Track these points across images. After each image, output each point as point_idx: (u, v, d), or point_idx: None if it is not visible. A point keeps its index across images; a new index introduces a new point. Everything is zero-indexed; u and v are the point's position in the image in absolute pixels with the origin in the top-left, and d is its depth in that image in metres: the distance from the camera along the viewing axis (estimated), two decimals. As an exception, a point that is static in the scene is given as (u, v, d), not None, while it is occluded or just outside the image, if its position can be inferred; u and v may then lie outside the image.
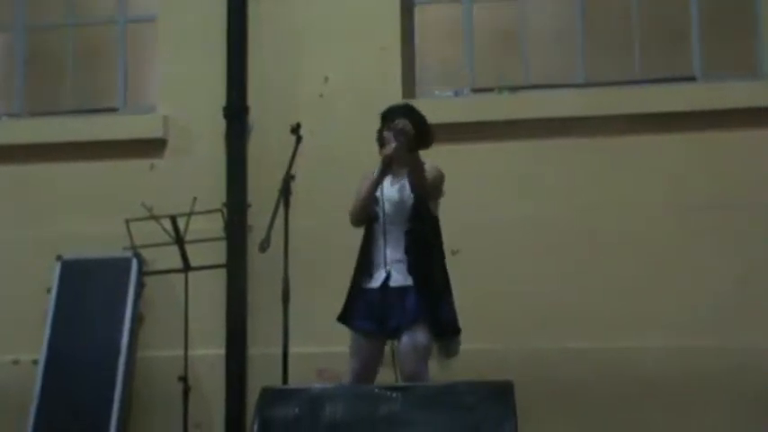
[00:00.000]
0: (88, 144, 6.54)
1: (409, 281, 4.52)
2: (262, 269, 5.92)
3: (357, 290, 4.63)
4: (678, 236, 5.88)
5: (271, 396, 3.84)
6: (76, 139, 6.56)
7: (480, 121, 6.08)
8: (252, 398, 4.84)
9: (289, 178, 4.72)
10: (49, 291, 6.25)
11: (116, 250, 6.11)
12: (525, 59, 6.40)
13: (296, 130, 4.85)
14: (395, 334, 4.55)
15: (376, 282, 4.57)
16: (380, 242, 4.59)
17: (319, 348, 5.86)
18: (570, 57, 6.36)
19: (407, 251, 4.55)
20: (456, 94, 6.38)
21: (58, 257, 6.31)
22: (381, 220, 4.60)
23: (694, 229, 5.87)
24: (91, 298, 6.19)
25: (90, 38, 6.96)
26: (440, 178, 4.64)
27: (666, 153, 5.98)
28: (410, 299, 4.49)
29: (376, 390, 3.83)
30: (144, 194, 6.01)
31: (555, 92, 6.26)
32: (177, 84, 6.52)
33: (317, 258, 5.94)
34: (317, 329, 5.85)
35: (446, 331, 4.55)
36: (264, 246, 4.52)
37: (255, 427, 3.74)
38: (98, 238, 6.22)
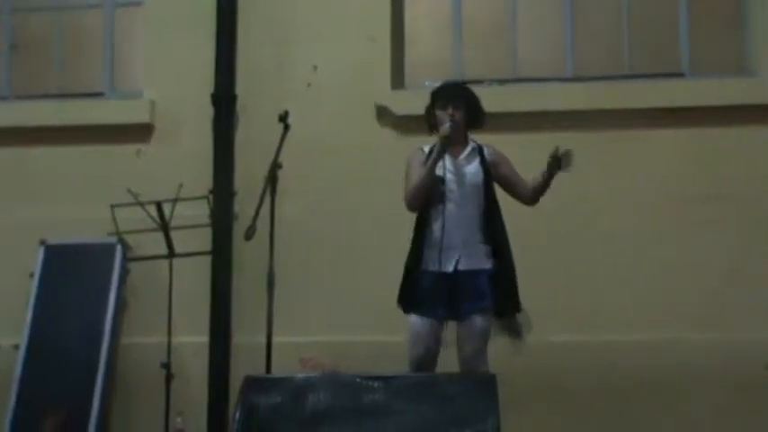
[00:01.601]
0: (74, 129, 6.51)
1: (482, 264, 4.45)
2: (247, 257, 5.91)
3: (422, 273, 4.48)
4: (666, 230, 5.91)
5: (254, 384, 3.85)
6: (62, 123, 6.52)
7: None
8: (235, 386, 4.83)
9: (276, 166, 4.71)
10: (32, 275, 6.23)
11: (101, 236, 6.08)
12: (514, 52, 6.40)
13: (284, 118, 4.84)
14: (461, 317, 4.45)
15: (447, 266, 4.43)
16: (449, 224, 4.45)
17: (304, 337, 5.86)
18: (559, 51, 6.37)
19: (485, 233, 4.48)
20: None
21: (42, 242, 6.28)
22: (449, 201, 4.48)
23: (682, 223, 5.90)
24: (74, 283, 6.17)
25: (76, 22, 6.92)
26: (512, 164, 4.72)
27: (654, 148, 6.00)
28: (482, 283, 4.42)
29: (358, 379, 3.84)
30: (130, 180, 5.97)
31: (543, 85, 6.27)
32: (164, 69, 6.49)
33: (303, 247, 5.93)
34: (301, 318, 5.87)
35: (509, 310, 4.51)
36: (250, 233, 4.50)
37: (238, 414, 3.75)
38: (83, 224, 6.19)
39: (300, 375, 4.06)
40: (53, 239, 6.28)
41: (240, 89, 6.35)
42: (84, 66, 6.91)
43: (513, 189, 4.67)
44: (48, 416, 5.84)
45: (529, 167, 6.00)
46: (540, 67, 6.37)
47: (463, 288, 4.42)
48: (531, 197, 4.66)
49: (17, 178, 6.55)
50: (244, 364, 5.77)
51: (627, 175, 6.00)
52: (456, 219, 4.46)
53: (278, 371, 4.59)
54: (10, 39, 6.97)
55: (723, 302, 5.79)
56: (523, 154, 6.01)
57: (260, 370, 4.58)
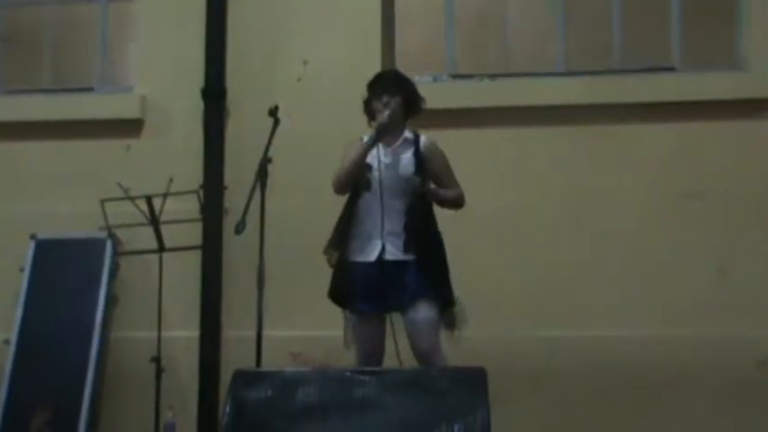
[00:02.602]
0: (64, 123, 6.49)
1: (408, 256, 4.39)
2: (237, 251, 5.90)
3: (348, 264, 4.49)
4: (657, 225, 5.91)
5: (244, 378, 3.84)
6: (53, 117, 6.51)
7: (459, 107, 6.07)
8: (225, 380, 4.82)
9: (266, 161, 4.70)
10: (22, 270, 6.21)
11: (91, 230, 6.07)
12: (505, 47, 6.40)
13: (274, 112, 4.83)
14: (395, 310, 4.44)
15: (370, 255, 4.43)
16: (375, 213, 4.44)
17: (294, 332, 5.87)
18: (550, 45, 6.37)
19: (407, 226, 4.42)
20: (435, 79, 6.36)
21: (32, 236, 6.27)
22: (377, 190, 4.46)
23: (673, 218, 5.90)
24: (64, 278, 6.16)
25: (67, 16, 6.89)
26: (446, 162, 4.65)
27: (645, 143, 6.00)
28: (411, 275, 4.37)
29: (348, 373, 3.83)
30: (120, 175, 5.95)
31: (534, 80, 6.26)
32: (155, 64, 6.48)
33: (294, 241, 5.92)
34: (291, 313, 5.86)
35: (446, 304, 4.45)
36: (240, 228, 4.50)
37: (228, 409, 3.74)
38: (73, 218, 6.18)
39: (290, 369, 4.06)
40: (43, 234, 6.27)
41: (230, 84, 6.34)
42: (74, 60, 6.88)
43: (444, 189, 4.63)
44: (38, 410, 5.84)
45: (519, 162, 6.05)
46: (531, 61, 6.37)
47: (392, 279, 4.37)
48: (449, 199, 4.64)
49: (7, 173, 6.53)
50: (234, 358, 5.76)
51: (618, 170, 6.00)
52: (382, 207, 4.44)
53: (268, 365, 4.58)
54: (1, 32, 6.94)
55: (714, 299, 5.79)
56: (514, 149, 6.06)
57: (250, 364, 4.57)
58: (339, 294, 4.56)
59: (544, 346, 5.80)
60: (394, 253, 4.42)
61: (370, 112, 4.65)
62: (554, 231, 5.95)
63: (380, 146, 4.54)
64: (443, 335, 4.53)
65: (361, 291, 4.44)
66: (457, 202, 4.63)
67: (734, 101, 5.93)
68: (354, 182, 4.52)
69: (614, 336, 5.79)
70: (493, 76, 6.31)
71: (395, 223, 4.44)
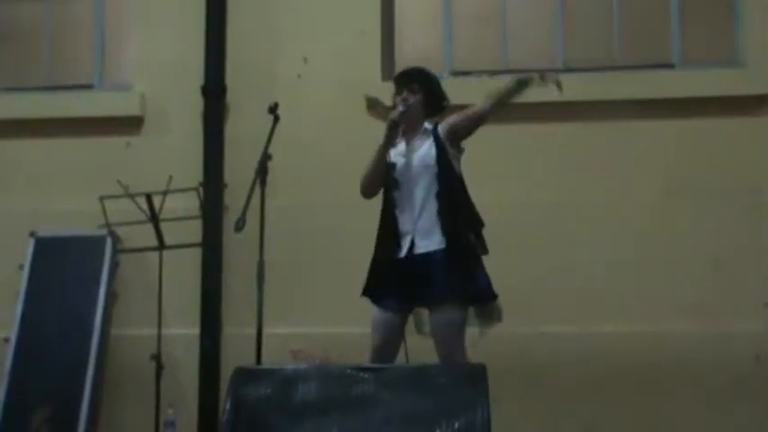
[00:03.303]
0: (64, 121, 6.49)
1: (435, 245, 4.30)
2: (237, 249, 5.91)
3: (379, 262, 4.43)
4: (653, 221, 5.92)
5: (244, 376, 3.84)
6: (52, 115, 6.51)
7: (459, 104, 6.04)
8: (225, 377, 4.83)
9: (266, 158, 4.69)
10: (21, 267, 6.21)
11: (91, 228, 6.08)
12: (505, 44, 6.40)
13: (273, 109, 4.82)
14: (421, 305, 4.38)
15: (400, 252, 4.36)
16: (403, 209, 4.39)
17: (294, 329, 5.87)
18: (549, 42, 6.37)
19: (440, 213, 4.34)
20: (434, 76, 6.35)
21: (32, 234, 6.26)
22: (403, 185, 4.41)
23: (670, 213, 5.91)
24: (64, 275, 6.16)
25: (66, 13, 6.89)
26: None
27: (644, 139, 6.01)
28: (438, 269, 4.28)
29: (348, 370, 3.83)
30: (120, 172, 5.97)
31: (533, 76, 6.26)
32: (154, 61, 6.48)
33: (294, 239, 5.93)
34: (291, 310, 5.87)
35: (483, 297, 4.34)
36: (240, 225, 4.49)
37: (228, 406, 3.74)
38: (73, 216, 6.19)
39: (290, 366, 4.05)
40: (43, 231, 6.27)
41: (230, 81, 6.34)
42: (73, 58, 6.88)
43: (467, 119, 4.47)
44: (38, 408, 5.84)
45: (520, 157, 6.05)
46: (530, 58, 6.36)
47: (420, 275, 4.30)
48: (487, 108, 4.48)
49: (7, 170, 6.53)
50: (234, 355, 5.77)
51: (617, 166, 6.00)
52: (406, 202, 4.39)
53: (268, 362, 4.59)
54: (-1, 29, 6.96)
55: (712, 294, 5.80)
56: (514, 145, 6.06)
57: (250, 361, 4.57)
58: (370, 290, 4.49)
59: (544, 342, 5.80)
60: (424, 245, 4.34)
61: (394, 106, 4.54)
62: (553, 227, 5.96)
63: (403, 143, 4.50)
64: (475, 331, 4.43)
65: (390, 288, 4.39)
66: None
67: (732, 97, 5.94)
68: (380, 183, 4.47)
69: (614, 332, 5.79)
70: (492, 73, 6.31)
71: (425, 214, 4.37)
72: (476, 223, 4.46)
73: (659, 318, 5.80)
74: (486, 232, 5.85)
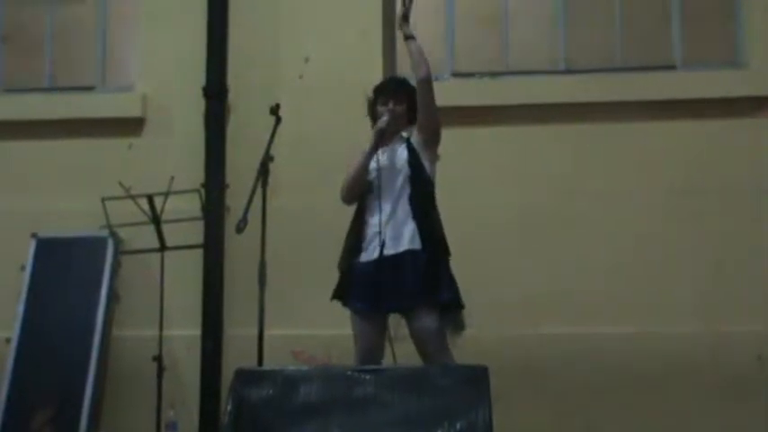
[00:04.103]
0: (66, 122, 6.50)
1: (404, 246, 4.34)
2: (239, 250, 5.90)
3: (351, 265, 4.47)
4: (655, 222, 5.92)
5: (245, 377, 3.84)
6: (54, 116, 6.51)
7: (460, 105, 6.06)
8: (227, 379, 4.83)
9: (267, 159, 4.69)
10: (23, 268, 6.21)
11: (92, 229, 6.08)
12: (506, 45, 6.40)
13: (275, 110, 4.82)
14: (394, 311, 4.40)
15: (371, 254, 4.40)
16: (375, 213, 4.43)
17: (296, 330, 5.87)
18: (551, 43, 6.37)
19: (411, 215, 4.38)
20: (436, 78, 6.30)
21: (33, 235, 6.26)
22: (376, 189, 4.46)
23: (672, 215, 5.91)
24: (66, 276, 6.15)
25: (68, 15, 6.89)
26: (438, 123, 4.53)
27: (646, 140, 6.01)
28: (410, 274, 4.30)
29: (349, 372, 3.83)
30: (122, 173, 5.97)
31: (535, 78, 6.27)
32: (156, 62, 6.48)
33: (295, 240, 5.93)
34: (293, 311, 5.86)
35: (448, 306, 4.36)
36: (241, 227, 4.49)
37: (229, 407, 3.75)
38: (74, 217, 6.18)
39: (291, 368, 4.05)
40: (44, 233, 6.26)
41: (232, 82, 6.35)
42: (75, 59, 6.88)
43: (419, 102, 4.48)
44: (39, 408, 5.84)
45: (520, 159, 6.05)
46: (532, 59, 6.37)
47: (390, 278, 4.33)
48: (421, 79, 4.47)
49: (9, 171, 6.53)
50: (235, 356, 5.77)
51: (618, 168, 6.01)
52: (381, 204, 4.42)
53: (269, 363, 4.58)
54: (1, 31, 6.94)
55: (713, 295, 5.81)
56: (515, 147, 6.06)
57: (252, 363, 4.57)
58: (342, 293, 4.54)
59: (545, 343, 5.80)
60: (394, 247, 4.37)
61: (374, 114, 4.64)
62: (554, 228, 5.96)
63: (382, 147, 4.55)
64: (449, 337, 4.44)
65: (361, 290, 4.43)
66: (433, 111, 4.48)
67: (734, 98, 5.95)
68: (361, 189, 4.52)
69: (615, 333, 5.79)
70: (494, 75, 6.31)
71: (396, 217, 4.41)
72: (442, 231, 4.47)
73: (661, 319, 5.80)
74: (486, 234, 5.90)
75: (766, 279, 5.79)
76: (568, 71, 6.27)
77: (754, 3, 6.10)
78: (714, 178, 5.92)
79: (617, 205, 5.95)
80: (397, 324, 4.47)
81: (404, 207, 4.42)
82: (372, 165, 4.51)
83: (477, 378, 3.68)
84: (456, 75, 6.36)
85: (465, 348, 4.51)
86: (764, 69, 6.00)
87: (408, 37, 4.53)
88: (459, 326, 4.43)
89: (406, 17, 4.52)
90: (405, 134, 4.61)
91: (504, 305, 5.82)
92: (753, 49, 6.07)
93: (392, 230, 4.39)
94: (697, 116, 5.97)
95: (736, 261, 5.81)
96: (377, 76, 6.13)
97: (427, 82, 4.47)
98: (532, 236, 5.94)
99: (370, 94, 4.72)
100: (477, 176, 5.97)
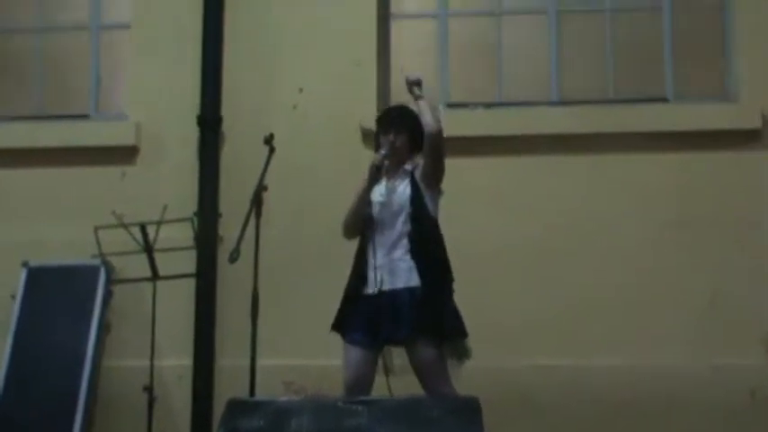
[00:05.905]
0: (59, 150, 6.48)
1: (402, 283, 4.35)
2: (231, 280, 5.88)
3: (350, 297, 4.48)
4: (649, 254, 5.93)
5: (237, 408, 3.82)
6: (47, 145, 6.50)
7: (454, 136, 6.06)
8: (218, 409, 4.80)
9: (261, 189, 4.69)
10: (13, 297, 6.18)
11: (84, 258, 6.06)
12: (500, 76, 6.43)
13: (269, 140, 4.83)
14: (391, 343, 4.41)
15: (370, 288, 4.42)
16: (375, 246, 4.44)
17: (288, 361, 5.84)
18: (544, 75, 6.40)
19: (409, 252, 4.39)
20: (430, 109, 6.37)
21: (24, 264, 6.24)
22: (377, 224, 4.47)
23: (665, 247, 5.92)
24: (57, 305, 6.12)
25: (61, 43, 6.91)
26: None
27: (638, 172, 6.03)
28: (408, 308, 4.31)
29: (341, 403, 3.82)
30: (114, 202, 5.96)
31: (529, 109, 6.30)
32: (150, 91, 6.49)
33: (288, 270, 5.92)
34: (285, 342, 5.84)
35: (451, 335, 4.36)
36: (234, 256, 4.48)
37: (220, 438, 3.72)
38: (66, 246, 6.16)
39: (283, 399, 4.04)
40: (36, 261, 6.24)
41: (225, 111, 6.36)
42: (69, 87, 6.89)
43: (426, 153, 4.46)
44: (29, 439, 5.80)
45: (513, 190, 6.06)
46: (525, 91, 6.40)
47: (388, 311, 4.34)
48: (430, 130, 4.41)
49: (0, 199, 6.51)
50: (227, 387, 5.73)
51: (611, 199, 6.02)
52: (380, 240, 4.44)
53: (261, 394, 4.56)
54: (-6, 59, 6.97)
55: (707, 327, 5.80)
56: (508, 177, 6.08)
57: (244, 393, 4.54)
58: (339, 325, 4.53)
59: (538, 375, 5.79)
60: (392, 282, 4.39)
61: (378, 145, 4.64)
62: (548, 260, 5.96)
63: (384, 181, 4.56)
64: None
65: (358, 320, 4.43)
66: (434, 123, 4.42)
67: (724, 131, 5.99)
68: (361, 225, 4.52)
69: (608, 365, 5.78)
70: (487, 105, 6.33)
71: (395, 253, 4.43)
72: (444, 267, 4.47)
73: (654, 351, 5.79)
74: (479, 265, 5.89)
75: (759, 312, 5.80)
76: (562, 102, 6.31)
77: (743, 40, 6.16)
78: (706, 209, 5.94)
79: (609, 236, 5.96)
80: (390, 355, 4.46)
81: (403, 245, 4.43)
82: (377, 198, 4.51)
83: (469, 409, 3.68)
84: (450, 105, 6.38)
85: (460, 380, 4.50)
86: (753, 103, 6.04)
87: (418, 97, 4.51)
88: (463, 354, 4.42)
89: (418, 83, 4.51)
90: (408, 167, 4.60)
91: (498, 336, 5.80)
92: (742, 84, 6.12)
93: (390, 268, 4.41)
94: (688, 148, 6.00)
95: (730, 294, 5.82)
96: (371, 107, 6.18)
97: (439, 134, 4.43)
98: (526, 267, 5.94)
99: (365, 124, 4.72)
100: (470, 207, 5.97)
